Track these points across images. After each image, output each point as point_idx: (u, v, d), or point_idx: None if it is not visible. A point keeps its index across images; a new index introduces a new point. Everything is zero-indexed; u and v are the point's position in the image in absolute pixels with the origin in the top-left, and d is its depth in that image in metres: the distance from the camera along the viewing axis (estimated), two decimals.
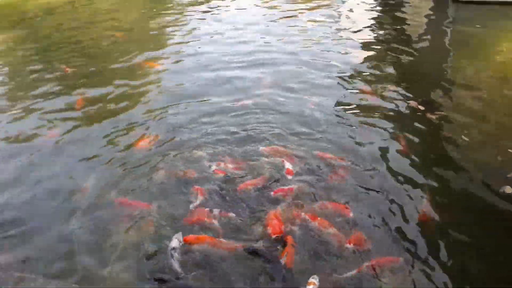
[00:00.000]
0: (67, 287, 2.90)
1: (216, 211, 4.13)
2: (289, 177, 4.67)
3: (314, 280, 3.45)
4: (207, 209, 4.17)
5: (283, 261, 3.63)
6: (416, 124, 5.85)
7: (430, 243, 3.88)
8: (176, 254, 3.55)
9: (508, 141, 5.34)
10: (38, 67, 7.96)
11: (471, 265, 3.70)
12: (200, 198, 4.30)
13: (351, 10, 11.66)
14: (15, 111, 6.31)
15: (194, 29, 10.29)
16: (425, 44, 9.12)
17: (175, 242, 3.67)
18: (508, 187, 4.48)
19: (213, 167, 4.82)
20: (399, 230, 4.03)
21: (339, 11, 11.53)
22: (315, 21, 10.59)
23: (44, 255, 3.66)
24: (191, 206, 4.24)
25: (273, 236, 3.87)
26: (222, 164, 4.88)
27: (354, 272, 3.51)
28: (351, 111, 6.21)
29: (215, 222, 4.01)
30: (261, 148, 5.18)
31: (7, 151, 5.32)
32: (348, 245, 3.77)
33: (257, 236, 3.90)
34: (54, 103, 6.48)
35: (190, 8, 12.32)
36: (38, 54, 8.60)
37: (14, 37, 9.81)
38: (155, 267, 3.55)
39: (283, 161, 4.91)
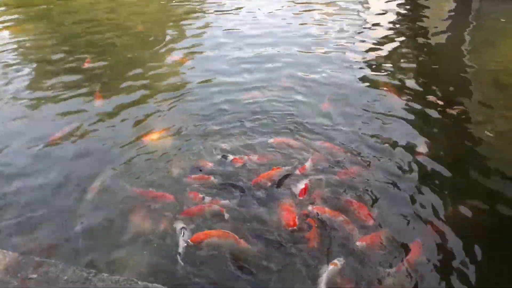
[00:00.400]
0: (86, 271, 2.95)
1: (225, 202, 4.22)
2: (304, 171, 4.66)
3: (337, 261, 3.53)
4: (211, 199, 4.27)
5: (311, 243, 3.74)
6: (436, 119, 5.77)
7: (454, 241, 3.83)
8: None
9: None
10: (58, 57, 8.03)
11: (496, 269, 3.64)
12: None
13: (372, 4, 11.47)
14: (34, 101, 6.41)
15: (212, 21, 10.26)
16: (446, 38, 8.95)
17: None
18: None
19: (230, 158, 4.86)
20: (419, 227, 4.00)
21: (361, 2, 11.38)
22: (335, 13, 10.46)
23: (61, 241, 3.84)
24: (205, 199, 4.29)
25: (288, 228, 3.89)
26: (242, 156, 4.92)
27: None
28: (369, 106, 6.14)
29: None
30: (273, 140, 5.21)
31: (28, 141, 5.40)
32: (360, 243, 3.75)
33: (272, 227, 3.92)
34: (73, 94, 6.56)
35: None
36: (58, 45, 8.66)
37: (34, 28, 9.96)
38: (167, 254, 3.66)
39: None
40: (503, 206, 4.23)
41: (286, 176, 4.54)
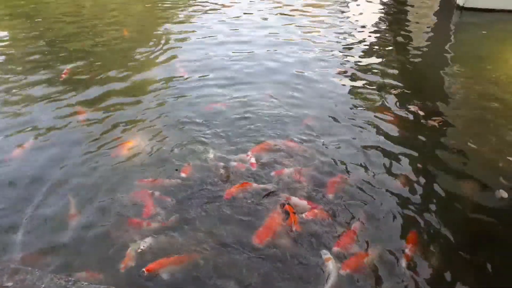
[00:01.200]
0: (64, 279, 2.86)
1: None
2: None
3: (328, 256, 3.65)
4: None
5: (293, 227, 3.92)
6: (417, 129, 5.85)
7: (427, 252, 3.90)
8: None
9: (508, 148, 5.40)
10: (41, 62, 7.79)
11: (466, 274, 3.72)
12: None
13: (354, 14, 11.58)
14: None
15: (201, 23, 10.25)
16: (427, 50, 9.08)
17: None
18: (502, 191, 4.58)
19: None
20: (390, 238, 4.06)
21: (343, 14, 11.48)
22: (318, 21, 10.55)
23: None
24: None
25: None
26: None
27: None
28: (350, 114, 6.21)
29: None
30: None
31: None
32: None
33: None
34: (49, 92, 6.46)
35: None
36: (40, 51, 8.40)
37: (17, 27, 9.73)
38: None
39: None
40: (482, 215, 4.36)
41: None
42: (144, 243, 3.67)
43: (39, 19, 10.23)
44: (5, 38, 8.94)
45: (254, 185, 4.52)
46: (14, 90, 6.60)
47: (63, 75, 7.03)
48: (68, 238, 3.80)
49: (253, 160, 4.87)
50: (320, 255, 3.69)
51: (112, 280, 3.30)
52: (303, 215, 4.09)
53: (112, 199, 4.29)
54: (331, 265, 3.57)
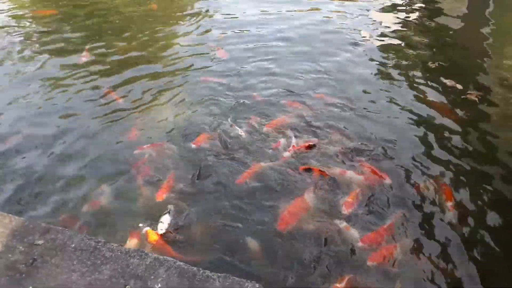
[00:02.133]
0: (95, 239, 2.83)
1: None
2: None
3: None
4: None
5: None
6: (456, 103, 5.64)
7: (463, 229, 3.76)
8: None
9: None
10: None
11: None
12: None
13: None
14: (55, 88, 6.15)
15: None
16: (464, 30, 8.61)
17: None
18: None
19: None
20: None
21: None
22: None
23: None
24: None
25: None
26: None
27: None
28: (387, 89, 6.03)
29: None
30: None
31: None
32: None
33: None
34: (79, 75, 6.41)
35: None
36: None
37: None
38: None
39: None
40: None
41: None
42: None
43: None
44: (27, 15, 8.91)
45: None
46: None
47: (83, 57, 6.80)
48: None
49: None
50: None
51: None
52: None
53: None
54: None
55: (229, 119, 5.06)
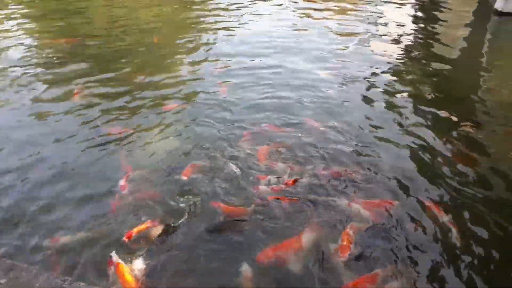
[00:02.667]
0: (61, 278, 2.72)
1: None
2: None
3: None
4: None
5: None
6: (449, 134, 5.54)
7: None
8: None
9: None
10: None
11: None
12: None
13: (385, 21, 11.13)
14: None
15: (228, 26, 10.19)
16: (461, 58, 8.64)
17: None
18: None
19: None
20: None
21: (372, 20, 11.12)
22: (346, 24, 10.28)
23: None
24: None
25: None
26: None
27: None
28: (377, 116, 6.02)
29: None
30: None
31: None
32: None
33: None
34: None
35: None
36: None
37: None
38: None
39: None
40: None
41: None
42: None
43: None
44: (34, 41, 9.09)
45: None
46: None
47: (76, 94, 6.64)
48: None
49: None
50: None
51: None
52: None
53: None
54: None
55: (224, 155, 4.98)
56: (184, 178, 4.54)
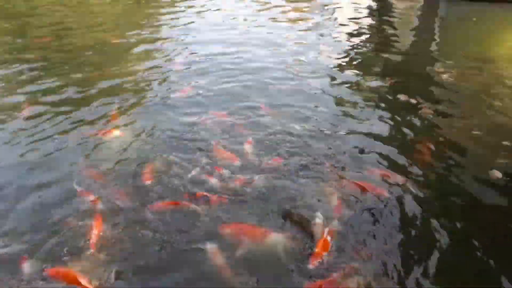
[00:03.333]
0: None
1: None
2: None
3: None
4: None
5: None
6: (410, 117, 5.70)
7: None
8: None
9: (495, 134, 5.25)
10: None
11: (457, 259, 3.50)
12: None
13: (339, 11, 11.33)
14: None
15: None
16: (412, 41, 8.97)
17: None
18: (496, 171, 4.47)
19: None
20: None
21: (327, 10, 11.30)
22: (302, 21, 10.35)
23: None
24: None
25: None
26: None
27: None
28: (340, 105, 6.07)
29: None
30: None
31: None
32: None
33: None
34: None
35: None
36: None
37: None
38: None
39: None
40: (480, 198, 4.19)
41: None
42: None
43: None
44: None
45: None
46: None
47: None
48: None
49: None
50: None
51: None
52: None
53: None
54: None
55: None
56: (146, 181, 4.30)
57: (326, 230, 3.59)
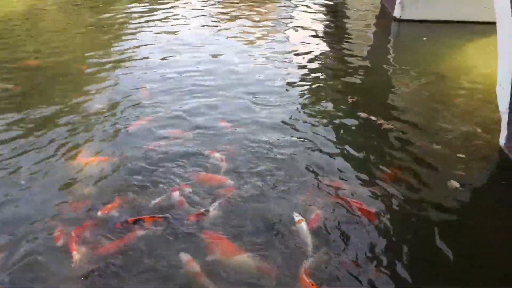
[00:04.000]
0: None
1: None
2: None
3: (299, 217, 4.07)
4: None
5: None
6: (369, 132, 6.07)
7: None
8: None
9: (451, 147, 5.64)
10: None
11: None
12: None
13: (295, 29, 11.47)
14: None
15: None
16: (368, 60, 9.35)
17: None
18: (453, 181, 4.83)
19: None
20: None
21: (283, 25, 11.55)
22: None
23: None
24: None
25: None
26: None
27: None
28: (302, 125, 6.25)
29: None
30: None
31: None
32: None
33: None
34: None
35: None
36: None
37: None
38: None
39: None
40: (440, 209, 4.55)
41: None
42: None
43: None
44: None
45: None
46: None
47: None
48: None
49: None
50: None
51: None
52: None
53: None
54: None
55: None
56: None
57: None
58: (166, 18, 11.65)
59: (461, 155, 5.38)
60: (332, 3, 14.12)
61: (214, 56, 8.93)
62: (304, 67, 8.69)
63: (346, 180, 4.90)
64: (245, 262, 3.69)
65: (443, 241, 3.98)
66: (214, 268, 3.62)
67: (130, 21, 11.51)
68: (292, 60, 9.01)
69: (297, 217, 4.09)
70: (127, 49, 9.37)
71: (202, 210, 4.22)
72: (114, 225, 4.04)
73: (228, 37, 10.27)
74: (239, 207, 4.35)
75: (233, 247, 3.83)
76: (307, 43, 10.27)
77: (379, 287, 3.52)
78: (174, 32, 10.50)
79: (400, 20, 11.74)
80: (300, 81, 7.94)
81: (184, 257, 3.68)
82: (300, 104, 6.96)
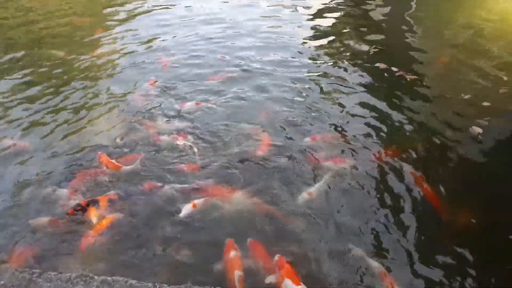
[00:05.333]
0: (29, 271, 2.50)
1: None
2: None
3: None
4: None
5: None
6: (391, 83, 5.89)
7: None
8: None
9: (477, 95, 5.44)
10: None
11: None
12: None
13: None
14: None
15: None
16: (389, 17, 8.92)
17: None
18: (475, 127, 4.73)
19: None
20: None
21: None
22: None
23: None
24: None
25: None
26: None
27: None
28: (321, 79, 6.08)
29: None
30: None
31: None
32: None
33: None
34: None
35: None
36: None
37: None
38: None
39: None
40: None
41: None
42: None
43: None
44: None
45: None
46: None
47: None
48: None
49: None
50: None
51: None
52: None
53: None
54: None
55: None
56: None
57: None
58: None
59: (486, 103, 5.21)
60: None
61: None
62: (318, 27, 8.35)
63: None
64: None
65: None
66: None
67: None
68: (311, 26, 8.64)
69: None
70: None
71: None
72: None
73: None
74: None
75: None
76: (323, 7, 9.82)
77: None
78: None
79: None
80: (314, 40, 7.65)
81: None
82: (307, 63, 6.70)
